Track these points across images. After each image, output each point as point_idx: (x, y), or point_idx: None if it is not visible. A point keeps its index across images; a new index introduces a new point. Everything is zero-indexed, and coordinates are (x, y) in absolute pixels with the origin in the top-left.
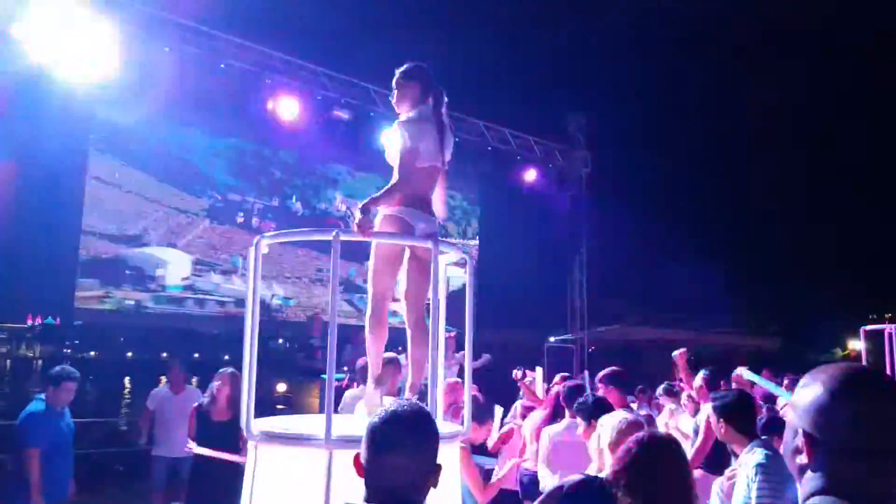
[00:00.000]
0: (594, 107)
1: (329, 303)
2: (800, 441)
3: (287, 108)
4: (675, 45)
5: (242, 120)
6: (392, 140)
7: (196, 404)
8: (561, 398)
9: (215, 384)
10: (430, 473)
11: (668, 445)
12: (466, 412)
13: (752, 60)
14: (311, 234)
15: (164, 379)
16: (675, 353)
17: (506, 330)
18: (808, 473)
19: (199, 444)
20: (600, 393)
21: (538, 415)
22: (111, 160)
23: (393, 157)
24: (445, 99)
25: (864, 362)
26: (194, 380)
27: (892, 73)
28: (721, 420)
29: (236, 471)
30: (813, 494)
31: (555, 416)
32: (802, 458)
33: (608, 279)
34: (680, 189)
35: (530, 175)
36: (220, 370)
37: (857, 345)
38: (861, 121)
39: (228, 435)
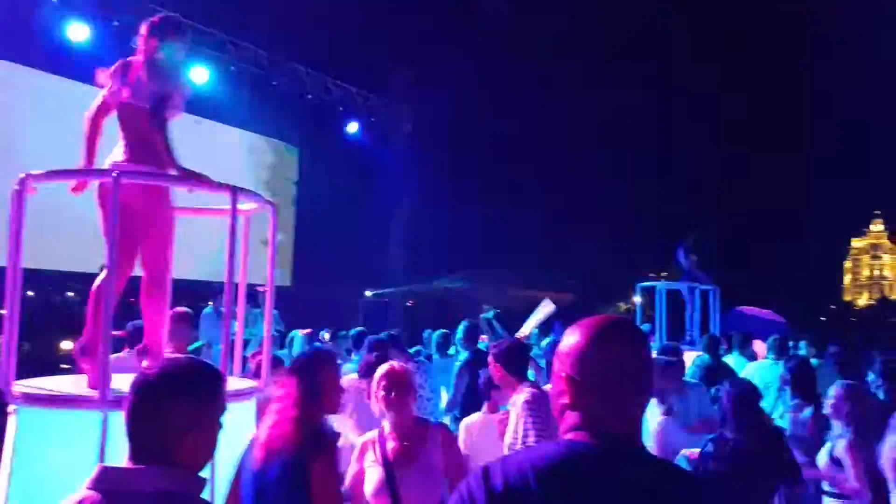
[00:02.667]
0: (418, 62)
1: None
2: (562, 384)
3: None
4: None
5: (24, 43)
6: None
7: None
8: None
9: None
10: (189, 429)
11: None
12: (265, 368)
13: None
14: (90, 174)
15: None
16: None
17: (322, 285)
18: (567, 412)
19: None
20: None
21: (349, 367)
22: None
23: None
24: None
25: (638, 314)
26: None
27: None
28: (498, 364)
29: None
30: (569, 430)
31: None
32: (564, 399)
33: (427, 235)
34: (499, 149)
35: (352, 127)
36: None
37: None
38: (654, 88)
39: None
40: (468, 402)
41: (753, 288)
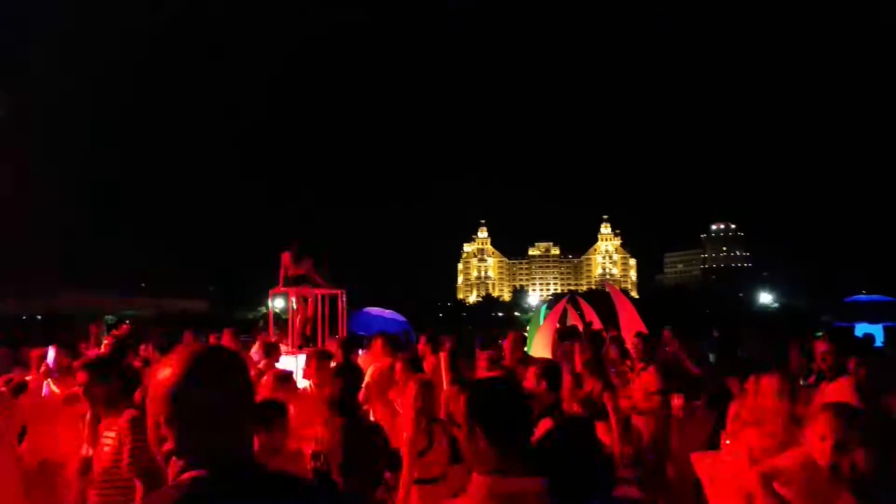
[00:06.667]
0: (24, 44)
1: None
2: (163, 429)
3: None
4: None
5: None
6: None
7: None
8: None
9: None
10: None
11: None
12: None
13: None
14: None
15: None
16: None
17: None
18: (173, 456)
19: None
20: None
21: None
22: None
23: None
24: None
25: (272, 318)
26: None
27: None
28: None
29: None
30: (180, 472)
31: None
32: (167, 445)
33: (29, 242)
34: (116, 155)
35: None
36: None
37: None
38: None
39: None
40: None
41: (380, 289)
